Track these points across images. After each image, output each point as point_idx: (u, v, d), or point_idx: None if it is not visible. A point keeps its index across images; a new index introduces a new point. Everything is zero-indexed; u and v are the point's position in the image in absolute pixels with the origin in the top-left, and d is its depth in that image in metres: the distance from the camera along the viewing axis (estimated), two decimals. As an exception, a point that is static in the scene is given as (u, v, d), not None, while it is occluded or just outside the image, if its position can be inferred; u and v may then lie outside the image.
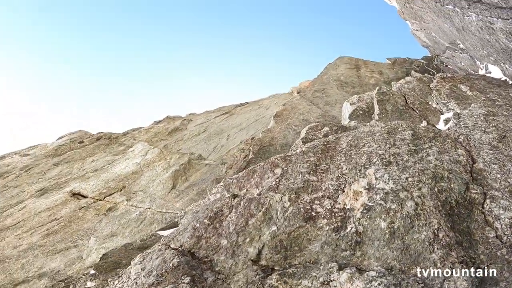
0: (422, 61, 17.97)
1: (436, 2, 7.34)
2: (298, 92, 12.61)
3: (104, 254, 5.82)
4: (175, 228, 3.24)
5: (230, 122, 16.25)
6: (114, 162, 14.65)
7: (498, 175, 2.89)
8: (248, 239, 2.43)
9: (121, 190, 12.27)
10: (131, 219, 9.87)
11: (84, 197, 11.67)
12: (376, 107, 5.38)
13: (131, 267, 2.73)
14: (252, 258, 2.35)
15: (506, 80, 6.61)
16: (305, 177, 2.84)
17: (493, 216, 2.42)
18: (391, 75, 15.83)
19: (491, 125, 4.02)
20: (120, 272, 2.99)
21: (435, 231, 2.10)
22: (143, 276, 2.43)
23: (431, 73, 15.59)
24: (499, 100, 5.20)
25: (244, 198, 2.86)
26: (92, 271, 4.91)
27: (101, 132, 17.62)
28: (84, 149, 15.75)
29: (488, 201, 2.57)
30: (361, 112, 5.86)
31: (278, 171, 3.02)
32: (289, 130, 9.93)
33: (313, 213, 2.47)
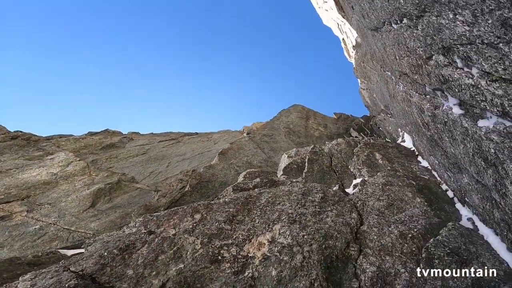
0: (361, 120, 21.39)
1: (381, 67, 8.57)
2: (248, 133, 13.62)
3: (-22, 263, 5.11)
4: (78, 253, 3.25)
5: (174, 149, 16.18)
6: (25, 167, 12.91)
7: (375, 236, 3.82)
8: (154, 272, 2.69)
9: (23, 199, 10.83)
10: (27, 232, 8.78)
11: (-28, 200, 9.91)
12: (306, 165, 6.37)
13: (17, 282, 2.64)
14: None
15: (413, 150, 7.82)
16: (220, 225, 3.31)
17: (361, 269, 3.22)
18: (334, 130, 18.38)
19: (385, 194, 5.19)
20: (4, 285, 2.81)
21: (312, 281, 2.74)
22: (31, 297, 2.40)
23: (366, 132, 18.63)
24: (400, 170, 6.61)
25: (159, 236, 3.13)
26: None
27: (20, 131, 15.52)
28: (-8, 146, 13.53)
29: (361, 257, 3.40)
30: (295, 166, 6.83)
31: (197, 216, 3.44)
32: (231, 170, 10.52)
33: (219, 257, 2.89)
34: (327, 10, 16.90)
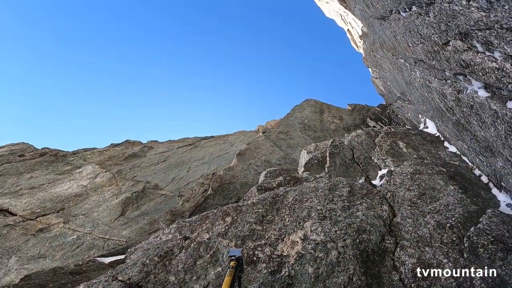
0: (378, 109, 20.78)
1: (393, 55, 8.39)
2: (263, 132, 13.62)
3: (26, 276, 5.50)
4: (121, 259, 3.40)
5: (192, 154, 16.49)
6: (56, 182, 13.70)
7: (411, 228, 3.70)
8: (194, 277, 2.77)
9: (58, 212, 11.51)
10: (66, 242, 9.34)
11: (13, 214, 10.66)
12: (328, 159, 6.28)
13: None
14: None
15: (438, 136, 7.51)
16: (251, 226, 3.33)
17: (400, 262, 3.13)
18: (350, 121, 17.98)
19: (415, 183, 5.01)
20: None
21: (350, 275, 2.69)
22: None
23: (383, 121, 18.05)
24: (428, 158, 6.34)
25: (194, 241, 3.20)
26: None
27: (47, 148, 16.48)
28: (24, 164, 14.48)
29: (398, 249, 3.30)
30: (316, 161, 6.75)
31: (228, 219, 3.49)
32: (250, 170, 10.56)
33: (254, 258, 2.92)
34: (327, 2, 16.52)
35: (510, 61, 2.56)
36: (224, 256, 3.00)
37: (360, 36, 14.36)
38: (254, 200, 3.88)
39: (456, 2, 2.76)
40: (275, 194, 4.03)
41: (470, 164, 5.67)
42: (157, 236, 3.63)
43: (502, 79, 2.82)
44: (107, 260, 6.40)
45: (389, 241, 3.34)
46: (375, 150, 7.00)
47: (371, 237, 3.27)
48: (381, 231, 3.43)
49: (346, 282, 2.63)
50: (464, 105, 4.19)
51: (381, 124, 17.63)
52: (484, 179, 5.08)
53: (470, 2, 2.52)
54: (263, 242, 3.11)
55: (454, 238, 3.34)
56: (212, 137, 19.79)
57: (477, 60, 3.08)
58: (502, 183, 4.36)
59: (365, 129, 10.50)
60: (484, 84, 3.48)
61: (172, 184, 13.67)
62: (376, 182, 5.42)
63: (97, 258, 6.50)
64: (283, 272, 2.75)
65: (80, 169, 14.78)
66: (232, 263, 2.25)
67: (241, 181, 10.09)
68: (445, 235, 3.37)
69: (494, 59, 2.81)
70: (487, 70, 3.01)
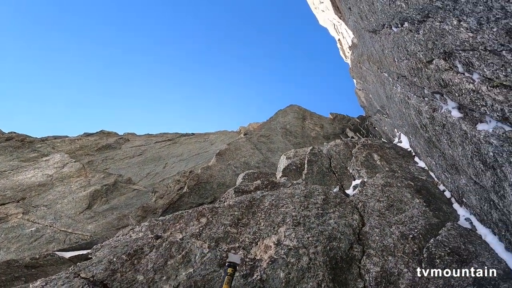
0: (357, 120, 21.63)
1: (378, 68, 8.60)
2: (245, 134, 13.66)
3: (-25, 266, 5.07)
4: (83, 254, 3.26)
5: (171, 150, 16.11)
6: (20, 169, 12.76)
7: (377, 237, 3.90)
8: (165, 277, 2.71)
9: (18, 201, 10.76)
10: (24, 234, 8.76)
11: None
12: (306, 166, 6.42)
13: (27, 288, 2.64)
14: None
15: (410, 151, 7.92)
16: (226, 229, 3.34)
17: (365, 270, 3.29)
18: (330, 130, 18.54)
19: (384, 195, 5.28)
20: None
21: (319, 281, 2.79)
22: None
23: (361, 132, 18.81)
24: (398, 171, 6.71)
25: (166, 240, 3.14)
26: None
27: (14, 132, 15.31)
28: (-13, 148, 13.33)
29: (364, 257, 3.47)
30: (294, 167, 6.89)
31: (203, 220, 3.46)
32: (229, 171, 10.53)
33: (227, 259, 2.91)
34: (323, 11, 16.99)
35: (487, 84, 2.70)
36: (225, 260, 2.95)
37: (349, 46, 14.81)
38: (230, 203, 3.89)
39: (448, 22, 2.86)
40: (252, 197, 4.07)
41: (436, 179, 6.08)
42: (126, 234, 3.51)
43: (476, 101, 2.99)
44: (68, 254, 6.07)
45: (357, 249, 3.50)
46: (351, 160, 7.28)
47: (341, 244, 3.40)
48: (350, 239, 3.58)
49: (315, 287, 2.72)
50: (437, 124, 4.47)
51: (359, 135, 18.35)
52: (447, 194, 5.47)
53: (461, 23, 2.63)
54: (237, 245, 3.13)
55: (415, 249, 3.57)
56: (193, 134, 19.46)
57: (456, 80, 3.25)
58: (464, 199, 4.72)
59: (344, 139, 10.87)
60: (458, 104, 3.69)
61: (147, 179, 13.25)
62: (349, 191, 5.63)
63: (57, 252, 6.14)
64: (255, 276, 2.79)
65: (47, 157, 13.88)
66: (229, 270, 2.25)
67: (218, 181, 10.02)
68: (407, 245, 3.59)
69: (471, 81, 2.96)
70: (463, 91, 3.18)
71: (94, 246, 3.29)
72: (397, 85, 6.59)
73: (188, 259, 2.92)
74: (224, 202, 4.16)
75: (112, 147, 17.16)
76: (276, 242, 3.16)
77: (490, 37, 2.33)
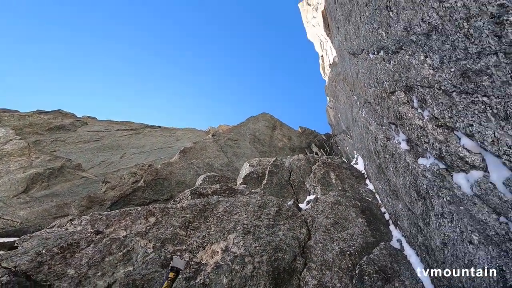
0: (324, 137, 22.66)
1: (350, 90, 8.93)
2: (213, 135, 13.55)
3: None
4: (9, 242, 2.96)
5: (132, 140, 15.27)
6: None
7: (319, 251, 4.15)
8: (100, 273, 2.59)
9: None
10: None
11: None
12: (266, 177, 6.58)
13: None
14: None
15: (364, 173, 8.47)
16: (175, 230, 3.31)
17: (304, 282, 3.48)
18: (297, 143, 19.18)
19: (333, 212, 5.63)
20: None
21: (259, 290, 2.91)
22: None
23: (325, 149, 19.78)
24: (349, 191, 7.20)
25: (108, 237, 3.00)
26: None
27: None
28: None
29: (305, 270, 3.67)
30: (255, 176, 7.02)
31: (152, 219, 3.38)
32: (190, 170, 10.33)
33: (171, 262, 2.87)
34: (314, 26, 17.73)
35: (433, 122, 2.89)
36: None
37: (330, 64, 15.52)
38: (184, 204, 3.85)
39: (416, 56, 2.96)
40: (206, 202, 4.07)
41: (380, 202, 6.66)
42: (62, 226, 3.27)
43: (421, 137, 3.25)
44: (-8, 240, 5.40)
45: (299, 262, 3.69)
46: (310, 176, 7.65)
47: (285, 256, 3.57)
48: (295, 251, 3.78)
49: (255, 296, 2.82)
50: (388, 152, 4.91)
51: (323, 152, 19.27)
52: (387, 216, 6.02)
53: (427, 59, 2.72)
54: (184, 247, 3.11)
55: (350, 265, 3.89)
56: (159, 127, 18.69)
57: (410, 114, 3.49)
58: (398, 222, 5.24)
59: (307, 155, 11.34)
60: (407, 138, 3.98)
61: (99, 168, 12.36)
62: (303, 205, 5.91)
63: (-21, 238, 5.43)
64: (198, 280, 2.80)
65: (-13, 130, 12.27)
66: (171, 275, 2.20)
67: (178, 179, 9.75)
68: (344, 261, 3.90)
69: (421, 117, 3.16)
70: (413, 126, 3.44)
71: (22, 237, 3.00)
72: (363, 110, 6.99)
73: (129, 258, 2.83)
74: (178, 203, 4.09)
75: (66, 128, 15.74)
76: (224, 249, 3.20)
77: (446, 77, 2.45)
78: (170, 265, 2.40)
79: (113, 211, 3.50)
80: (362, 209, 5.91)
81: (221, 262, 3.04)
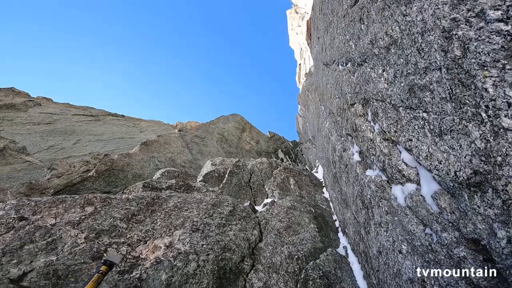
0: (290, 144, 23.17)
1: (320, 100, 9.05)
2: (180, 130, 13.04)
3: None
4: None
5: (90, 127, 14.06)
6: None
7: (268, 254, 4.12)
8: (15, 261, 2.27)
9: None
10: None
11: None
12: (226, 176, 6.45)
13: None
14: (11, 277, 2.17)
15: (322, 181, 8.80)
16: (115, 222, 3.02)
17: (250, 284, 3.41)
18: (264, 147, 19.32)
19: (287, 216, 5.69)
20: None
21: (201, 290, 2.76)
22: None
23: (291, 156, 20.22)
24: (306, 198, 7.36)
25: (32, 224, 2.64)
26: None
27: None
28: None
29: (252, 271, 3.60)
30: (216, 174, 6.86)
31: (89, 209, 3.06)
32: (150, 163, 9.78)
33: (105, 254, 2.62)
34: (297, 34, 18.11)
35: (381, 136, 2.98)
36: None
37: (305, 73, 15.90)
38: (130, 196, 3.56)
39: (376, 69, 3.00)
40: (156, 195, 3.82)
41: (332, 210, 6.90)
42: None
43: (370, 149, 3.36)
44: None
45: (247, 263, 3.62)
46: (270, 180, 7.69)
47: (233, 256, 3.47)
48: (244, 252, 3.70)
49: (195, 295, 2.66)
50: (343, 163, 5.08)
51: (288, 158, 19.67)
52: (337, 223, 6.23)
53: (384, 72, 2.76)
54: (122, 240, 2.85)
55: (296, 269, 3.91)
56: (123, 116, 17.47)
57: (363, 127, 3.60)
58: (346, 230, 5.45)
59: (271, 159, 11.45)
60: (360, 149, 4.10)
61: (47, 153, 11.12)
62: (259, 208, 5.88)
63: None
64: (133, 274, 2.56)
65: None
66: (103, 268, 1.94)
67: (135, 172, 9.14)
68: (291, 265, 3.92)
69: (372, 131, 3.27)
70: (365, 138, 3.54)
71: None
72: (327, 120, 7.18)
73: (54, 247, 2.50)
74: (124, 195, 3.78)
75: (16, 108, 14.00)
76: (167, 244, 3.00)
77: (396, 91, 2.51)
78: (104, 258, 2.17)
79: (45, 198, 3.09)
80: (315, 216, 6.06)
81: (162, 258, 2.83)
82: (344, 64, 4.78)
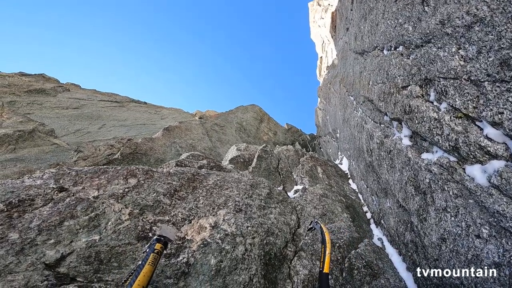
0: (308, 137, 22.65)
1: (347, 91, 8.71)
2: (200, 118, 12.76)
3: None
4: None
5: (115, 112, 13.98)
6: None
7: (309, 241, 3.76)
8: (52, 240, 1.92)
9: None
10: None
11: None
12: (255, 160, 6.10)
13: None
14: (47, 262, 1.84)
15: (347, 173, 8.53)
16: (158, 197, 2.69)
17: (294, 271, 3.06)
18: (282, 138, 18.88)
19: (321, 204, 5.32)
20: None
21: (252, 276, 2.41)
22: None
23: (308, 149, 19.71)
24: (335, 187, 7.01)
25: (73, 196, 2.32)
26: None
27: None
28: None
29: (296, 258, 3.25)
30: (242, 160, 6.51)
31: (132, 181, 2.72)
32: (172, 148, 9.53)
33: (150, 234, 2.30)
34: (319, 26, 17.34)
35: (451, 114, 2.73)
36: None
37: (327, 66, 15.27)
38: (171, 170, 3.23)
39: (446, 48, 2.78)
40: (196, 171, 3.48)
41: (362, 201, 6.46)
42: (18, 178, 2.53)
43: (433, 129, 3.04)
44: None
45: (290, 249, 3.26)
46: (298, 167, 7.36)
47: (277, 241, 3.11)
48: (287, 237, 3.33)
49: (246, 282, 2.31)
50: (384, 149, 4.66)
51: (306, 152, 19.13)
52: (368, 215, 5.82)
53: (459, 50, 2.56)
54: (167, 218, 2.52)
55: (339, 257, 3.54)
56: (145, 103, 17.33)
57: (423, 107, 3.28)
58: (382, 221, 5.01)
59: (295, 147, 10.99)
60: (411, 133, 3.79)
61: (74, 136, 11.09)
62: (290, 194, 5.53)
63: None
64: (180, 258, 2.23)
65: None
66: (158, 246, 1.59)
67: (157, 157, 8.93)
68: (333, 253, 3.54)
69: (437, 110, 2.99)
70: (425, 118, 3.22)
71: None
72: (359, 109, 6.79)
73: (97, 224, 2.18)
74: (164, 168, 3.46)
75: (46, 92, 14.10)
76: (213, 225, 2.66)
77: (480, 67, 2.29)
78: (157, 233, 1.82)
79: (86, 167, 2.79)
80: (347, 205, 5.66)
81: (209, 240, 2.49)
82: (393, 49, 4.47)
